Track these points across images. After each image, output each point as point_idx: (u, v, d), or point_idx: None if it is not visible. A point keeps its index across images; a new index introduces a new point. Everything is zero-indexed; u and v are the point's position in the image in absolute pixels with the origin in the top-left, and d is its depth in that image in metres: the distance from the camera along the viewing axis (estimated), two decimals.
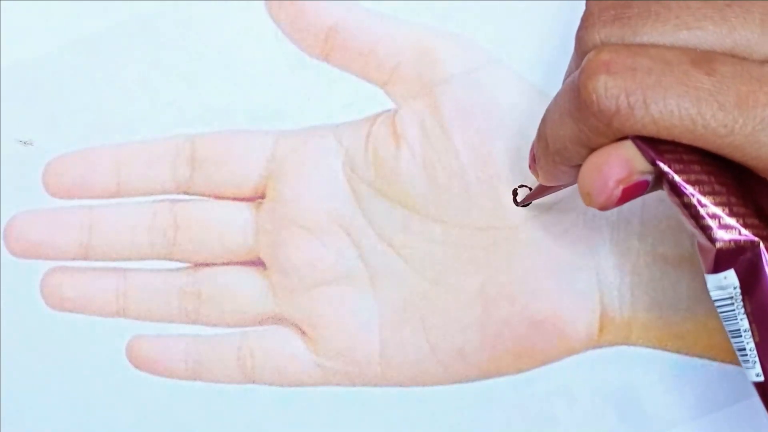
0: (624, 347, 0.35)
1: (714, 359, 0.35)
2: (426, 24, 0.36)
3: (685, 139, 0.24)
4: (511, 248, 0.35)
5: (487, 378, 0.35)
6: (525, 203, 0.34)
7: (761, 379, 0.26)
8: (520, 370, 0.35)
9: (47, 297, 0.36)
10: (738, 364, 0.29)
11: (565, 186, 0.31)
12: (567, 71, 0.28)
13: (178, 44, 0.36)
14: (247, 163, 0.36)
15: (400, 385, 0.35)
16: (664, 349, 0.35)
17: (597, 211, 0.35)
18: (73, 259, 0.36)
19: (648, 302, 0.35)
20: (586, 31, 0.26)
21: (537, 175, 0.29)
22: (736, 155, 0.24)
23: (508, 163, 0.35)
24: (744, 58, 0.25)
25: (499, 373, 0.35)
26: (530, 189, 0.34)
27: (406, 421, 0.35)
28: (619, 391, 0.35)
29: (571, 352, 0.35)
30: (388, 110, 0.36)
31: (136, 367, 0.36)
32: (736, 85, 0.24)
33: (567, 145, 0.26)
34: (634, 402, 0.35)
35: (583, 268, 0.35)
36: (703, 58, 0.24)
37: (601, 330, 0.35)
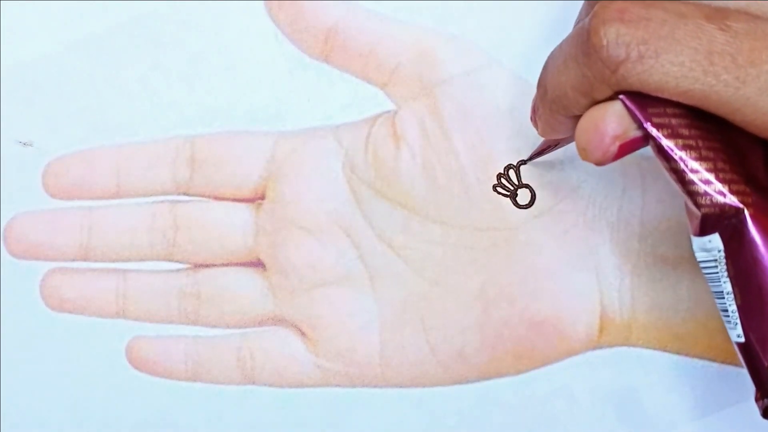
0: (624, 348, 0.35)
1: (714, 360, 0.35)
2: (426, 25, 0.36)
3: (695, 92, 0.24)
4: (510, 249, 0.35)
5: (487, 379, 0.35)
6: (528, 161, 0.34)
7: (742, 339, 0.26)
8: (520, 371, 0.35)
9: (47, 298, 0.36)
10: (738, 365, 0.29)
11: (565, 142, 0.31)
12: (577, 19, 0.28)
13: (178, 45, 0.36)
14: (247, 164, 0.36)
15: (400, 386, 0.35)
16: (664, 350, 0.35)
17: (597, 212, 0.35)
18: (73, 260, 0.36)
19: (648, 303, 0.35)
20: None
21: (537, 127, 0.29)
22: (746, 110, 0.24)
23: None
24: (757, 16, 0.25)
25: (499, 374, 0.35)
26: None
27: (406, 422, 0.35)
28: (619, 392, 0.35)
29: (571, 353, 0.35)
30: (388, 111, 0.36)
31: (136, 368, 0.36)
32: (750, 41, 0.24)
33: (567, 91, 0.26)
34: (634, 403, 0.35)
35: (583, 269, 0.35)
36: (717, 14, 0.24)
37: (601, 331, 0.35)
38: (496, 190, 0.35)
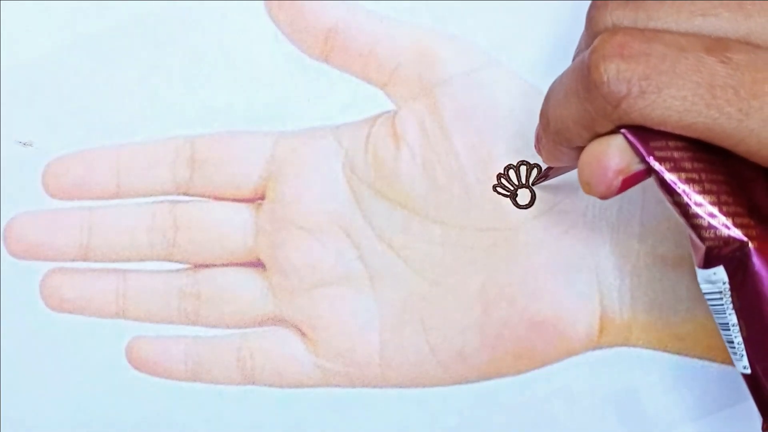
0: (624, 348, 0.35)
1: (714, 360, 0.35)
2: (426, 25, 0.36)
3: (698, 126, 0.24)
4: (510, 249, 0.35)
5: (487, 379, 0.35)
6: (535, 184, 0.34)
7: (748, 371, 0.26)
8: (519, 372, 0.35)
9: (47, 298, 0.36)
10: None
11: (570, 168, 0.31)
12: (576, 50, 0.28)
13: (178, 45, 0.36)
14: (247, 164, 0.36)
15: (400, 386, 0.35)
16: (664, 350, 0.35)
17: (597, 213, 0.35)
18: (73, 260, 0.36)
19: (648, 303, 0.35)
20: (598, 11, 0.26)
21: (541, 155, 0.29)
22: (750, 141, 0.24)
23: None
24: (758, 46, 0.24)
25: (499, 375, 0.35)
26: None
27: (406, 422, 0.35)
28: (619, 392, 0.35)
29: (571, 353, 0.35)
30: (388, 111, 0.36)
31: (136, 368, 0.36)
32: (751, 73, 0.24)
33: (569, 125, 0.26)
34: (634, 403, 0.35)
35: (583, 269, 0.35)
36: (718, 46, 0.24)
37: (601, 331, 0.35)
38: (496, 190, 0.35)
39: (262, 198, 0.36)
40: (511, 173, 0.35)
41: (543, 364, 0.35)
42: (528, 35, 0.36)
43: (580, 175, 0.26)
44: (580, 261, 0.35)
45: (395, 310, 0.35)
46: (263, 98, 0.36)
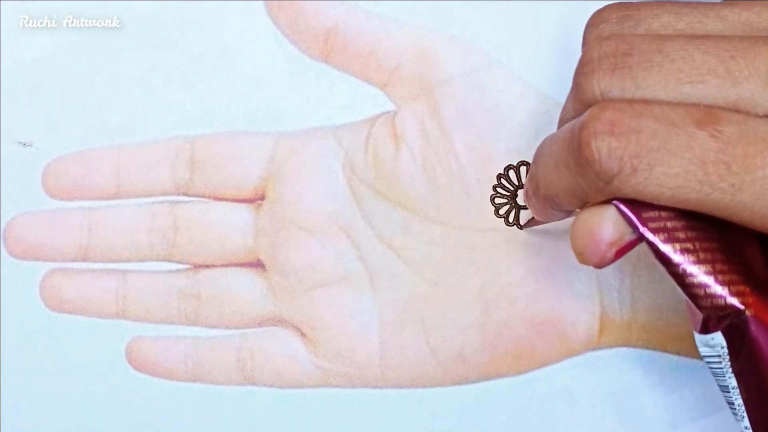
0: (624, 349, 0.35)
1: None
2: (426, 25, 0.36)
3: (690, 201, 0.24)
4: (510, 250, 0.35)
5: (486, 380, 0.35)
6: (524, 227, 0.34)
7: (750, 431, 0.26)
8: (519, 372, 0.35)
9: (47, 299, 0.36)
10: None
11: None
12: (562, 112, 0.28)
13: (178, 45, 0.36)
14: (247, 164, 0.36)
15: (400, 387, 0.35)
16: (665, 350, 0.35)
17: None
18: (73, 260, 0.36)
19: (648, 304, 0.35)
20: (585, 78, 0.26)
21: (530, 209, 0.29)
22: (744, 214, 0.24)
23: None
24: (748, 112, 0.24)
25: (499, 375, 0.35)
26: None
27: (406, 422, 0.35)
28: (619, 392, 0.35)
29: (571, 353, 0.35)
30: (388, 112, 0.36)
31: (136, 368, 0.36)
32: (743, 146, 0.23)
33: (559, 193, 0.26)
34: (634, 404, 0.35)
35: (582, 269, 0.35)
36: (708, 118, 0.24)
37: (601, 331, 0.35)
38: (495, 191, 0.34)
39: (262, 198, 0.36)
40: (511, 174, 0.34)
41: (543, 364, 0.35)
42: (528, 35, 0.35)
43: (573, 246, 0.26)
44: None
45: (395, 310, 0.35)
46: (263, 98, 0.36)
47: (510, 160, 0.35)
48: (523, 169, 0.35)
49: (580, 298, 0.35)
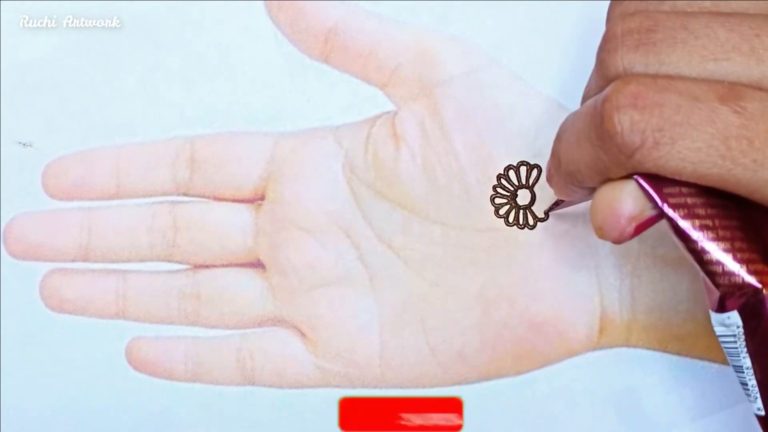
0: (624, 349, 0.35)
1: (714, 361, 0.35)
2: (426, 25, 0.36)
3: (712, 176, 0.24)
4: (510, 250, 0.35)
5: (486, 380, 0.35)
6: (547, 213, 0.34)
7: (762, 413, 0.26)
8: (519, 372, 0.35)
9: (47, 299, 0.36)
10: None
11: (583, 200, 0.31)
12: (586, 89, 0.28)
13: (178, 45, 0.36)
14: (247, 164, 0.36)
15: (400, 387, 0.35)
16: (665, 350, 0.35)
17: None
18: (73, 260, 0.36)
19: (648, 304, 0.35)
20: (609, 55, 0.25)
21: (552, 188, 0.29)
22: (765, 191, 0.24)
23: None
24: None
25: (499, 375, 0.35)
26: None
27: None
28: (620, 392, 0.35)
29: (571, 353, 0.35)
30: (388, 112, 0.36)
31: (136, 368, 0.36)
32: (765, 122, 0.23)
33: (581, 168, 0.26)
34: (634, 404, 0.35)
35: (583, 269, 0.35)
36: (731, 94, 0.24)
37: (601, 332, 0.35)
38: (495, 191, 0.34)
39: (262, 198, 0.36)
40: (511, 174, 0.35)
41: (543, 364, 0.35)
42: (528, 36, 0.35)
43: (592, 220, 0.26)
44: (580, 261, 0.35)
45: (395, 310, 0.35)
46: (263, 98, 0.36)
47: (510, 160, 0.35)
48: (523, 169, 0.35)
49: (580, 299, 0.35)
